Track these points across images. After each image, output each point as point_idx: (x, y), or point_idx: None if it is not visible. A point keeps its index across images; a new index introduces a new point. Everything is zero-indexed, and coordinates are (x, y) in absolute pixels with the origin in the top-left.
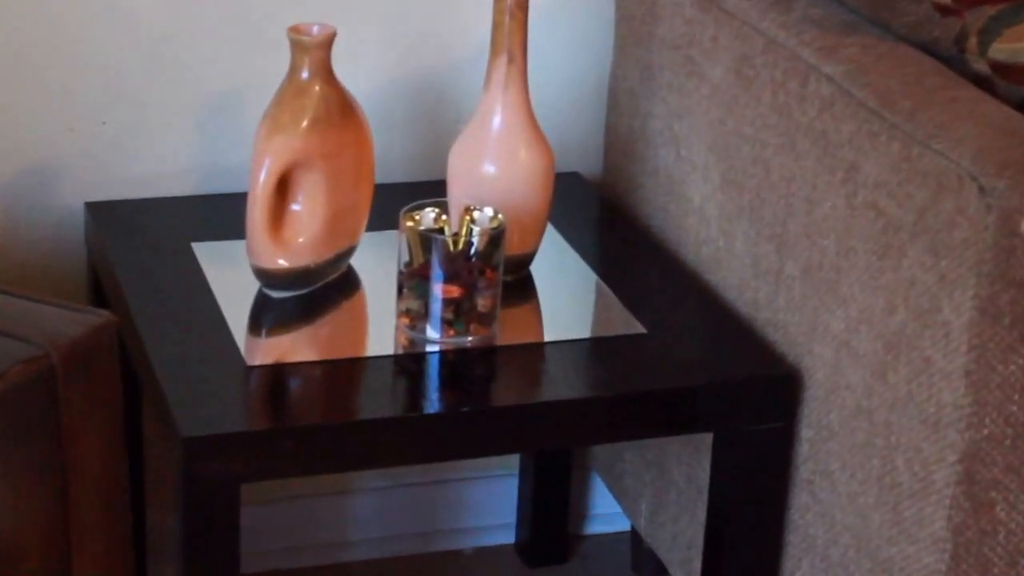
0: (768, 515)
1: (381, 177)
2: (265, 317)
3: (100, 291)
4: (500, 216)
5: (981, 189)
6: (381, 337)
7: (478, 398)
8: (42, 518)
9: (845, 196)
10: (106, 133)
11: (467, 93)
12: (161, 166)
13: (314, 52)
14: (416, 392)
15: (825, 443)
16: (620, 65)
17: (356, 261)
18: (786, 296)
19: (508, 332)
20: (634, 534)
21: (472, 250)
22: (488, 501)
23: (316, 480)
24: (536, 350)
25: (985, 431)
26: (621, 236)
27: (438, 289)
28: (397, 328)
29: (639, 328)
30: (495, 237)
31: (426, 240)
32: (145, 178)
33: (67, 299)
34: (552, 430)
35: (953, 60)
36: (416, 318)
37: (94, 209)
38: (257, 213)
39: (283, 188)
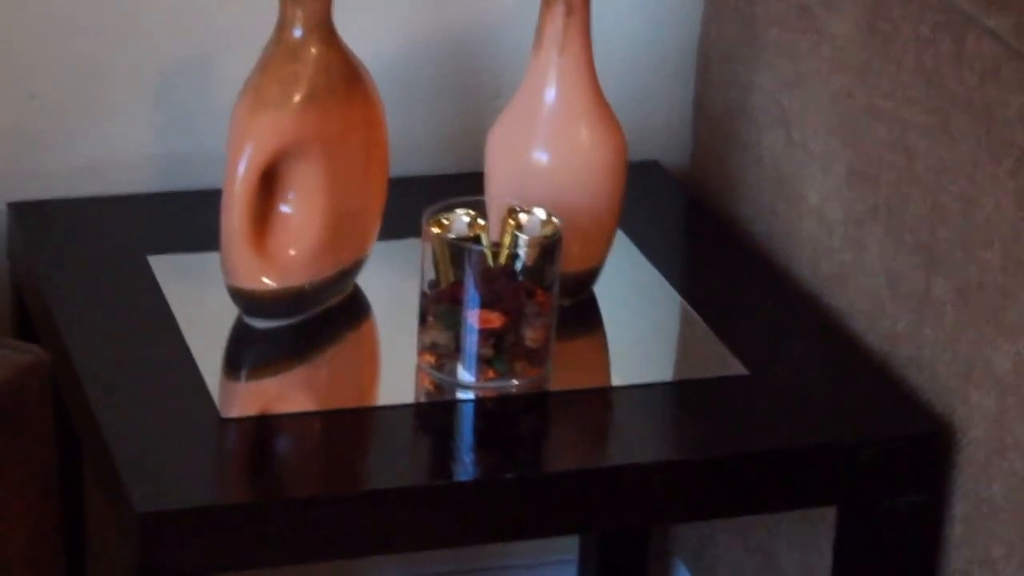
0: None
1: (397, 169)
2: (245, 354)
3: (26, 319)
4: (555, 220)
5: None
6: (398, 380)
7: (526, 461)
8: None
9: (1015, 192)
10: (35, 111)
11: (511, 57)
12: (108, 154)
13: (310, 2)
14: (444, 453)
15: (985, 522)
16: (713, 19)
17: (364, 280)
18: (934, 326)
19: (565, 373)
20: None
21: (518, 266)
22: None
23: (313, 570)
24: (601, 397)
25: None
26: (714, 246)
27: (473, 317)
28: (419, 369)
29: (738, 369)
30: (548, 248)
31: (457, 253)
32: (87, 170)
33: None
34: (622, 504)
35: None
36: (444, 356)
37: (18, 211)
38: (235, 217)
39: (269, 184)
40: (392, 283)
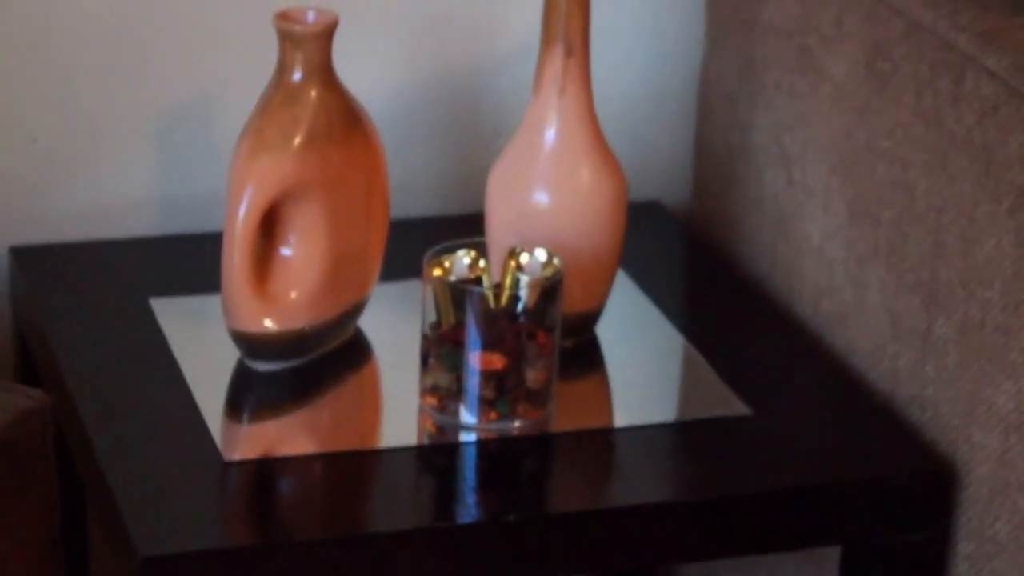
0: None
1: (398, 211)
2: (247, 397)
3: (28, 363)
4: (556, 261)
5: None
6: (399, 422)
7: (528, 503)
8: None
9: (1015, 231)
10: (38, 155)
11: (510, 98)
12: (109, 198)
13: (309, 46)
14: (446, 495)
15: (989, 561)
16: (713, 60)
17: (365, 322)
18: (936, 364)
19: (567, 415)
20: None
21: (519, 307)
22: None
23: None
24: (604, 438)
25: None
26: (716, 286)
27: (475, 359)
28: (421, 410)
29: (741, 409)
30: (549, 289)
31: (459, 294)
32: (88, 214)
33: None
34: (625, 545)
35: None
36: (446, 397)
37: (21, 255)
38: (236, 260)
39: (270, 227)
40: (393, 325)
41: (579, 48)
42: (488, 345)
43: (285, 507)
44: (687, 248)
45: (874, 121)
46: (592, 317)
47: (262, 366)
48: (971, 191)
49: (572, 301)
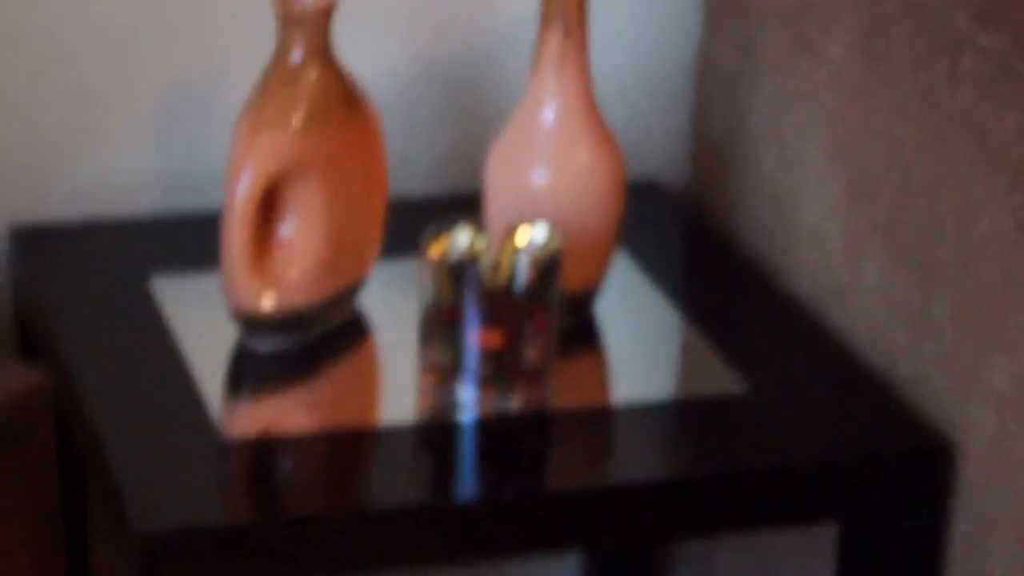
0: None
1: (397, 189)
2: (247, 375)
3: (29, 341)
4: (554, 240)
5: None
6: (398, 400)
7: (526, 480)
8: None
9: (1011, 209)
10: (37, 135)
11: (509, 78)
12: (109, 177)
13: (309, 26)
14: (445, 473)
15: (985, 538)
16: (710, 41)
17: (365, 300)
18: (933, 343)
19: (565, 393)
20: None
21: (518, 285)
22: None
23: None
24: (602, 416)
25: None
26: (713, 265)
27: (473, 337)
28: (419, 388)
29: (738, 387)
30: (547, 267)
31: (457, 272)
32: (88, 193)
33: None
34: (623, 523)
35: None
36: (444, 375)
37: (21, 235)
38: (236, 239)
39: (269, 206)
40: (392, 303)
41: (577, 28)
42: (486, 323)
43: (284, 484)
44: (684, 227)
45: (871, 100)
46: (590, 295)
47: (262, 344)
48: (967, 170)
49: (570, 279)
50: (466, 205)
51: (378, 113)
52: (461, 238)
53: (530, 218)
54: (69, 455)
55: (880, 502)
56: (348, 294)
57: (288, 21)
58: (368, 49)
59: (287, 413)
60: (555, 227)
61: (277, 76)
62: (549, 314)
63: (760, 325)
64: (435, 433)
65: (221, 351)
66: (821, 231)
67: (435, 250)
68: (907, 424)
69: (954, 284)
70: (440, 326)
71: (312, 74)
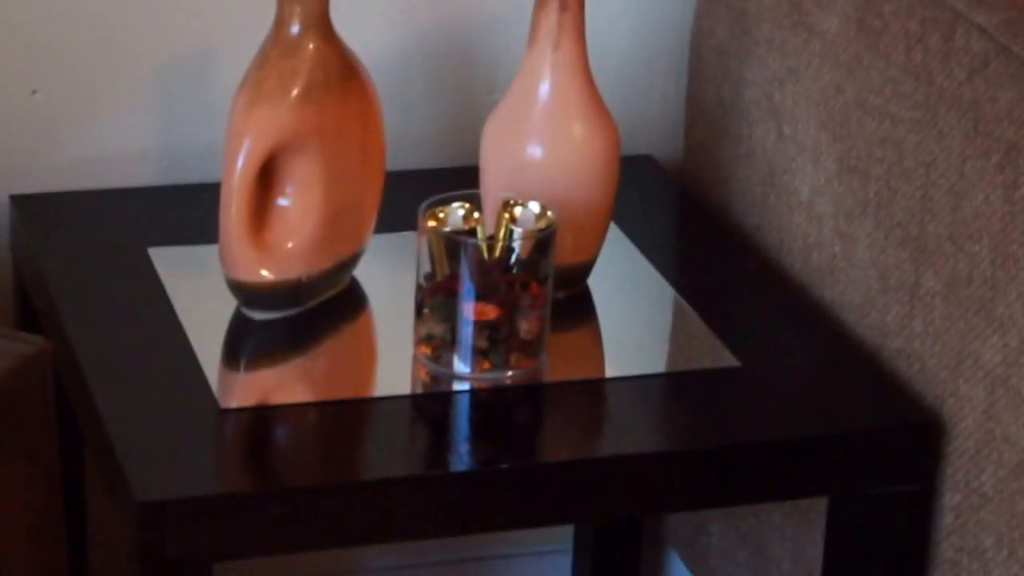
0: None
1: (394, 163)
2: (244, 346)
3: (29, 311)
4: (549, 213)
5: None
6: (394, 372)
7: (520, 452)
8: None
9: (1003, 186)
10: (37, 106)
11: (505, 52)
12: (108, 148)
13: None
14: (440, 444)
15: (975, 512)
16: (705, 16)
17: (361, 273)
18: (924, 319)
19: (560, 365)
20: None
21: (513, 258)
22: None
23: (310, 559)
24: (595, 389)
25: None
26: (706, 239)
27: (469, 310)
28: (415, 360)
29: (730, 360)
30: (543, 241)
31: (453, 245)
32: (88, 164)
33: None
34: (616, 494)
35: None
36: (440, 347)
37: (21, 204)
38: (233, 210)
39: (267, 177)
40: (389, 276)
41: (573, 3)
42: (482, 296)
43: (280, 454)
44: (678, 202)
45: (864, 77)
46: (584, 269)
47: (259, 315)
48: (960, 147)
49: (565, 253)
50: (462, 178)
51: (376, 86)
52: (457, 211)
53: (526, 192)
54: (68, 424)
55: (870, 476)
56: (345, 266)
57: None
58: (365, 23)
59: (283, 383)
60: (550, 201)
61: (276, 48)
62: (544, 287)
63: (752, 299)
64: (430, 404)
65: (218, 321)
66: (813, 206)
67: (431, 223)
68: (898, 399)
69: (945, 260)
70: (436, 298)
71: (310, 46)
